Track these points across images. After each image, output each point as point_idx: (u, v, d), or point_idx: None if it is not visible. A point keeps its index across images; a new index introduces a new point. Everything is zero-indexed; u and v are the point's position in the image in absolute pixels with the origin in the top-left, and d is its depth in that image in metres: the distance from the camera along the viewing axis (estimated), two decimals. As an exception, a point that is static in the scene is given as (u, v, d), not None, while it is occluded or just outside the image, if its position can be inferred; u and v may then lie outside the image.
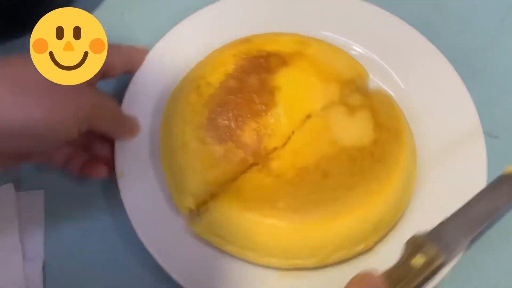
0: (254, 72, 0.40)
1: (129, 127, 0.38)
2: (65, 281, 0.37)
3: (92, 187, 0.41)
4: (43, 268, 0.37)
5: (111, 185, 0.39)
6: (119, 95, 0.41)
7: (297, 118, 0.39)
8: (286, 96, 0.40)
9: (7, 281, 0.36)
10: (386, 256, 0.35)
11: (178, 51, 0.44)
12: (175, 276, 0.34)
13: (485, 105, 0.44)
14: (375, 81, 0.44)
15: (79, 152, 0.39)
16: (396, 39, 0.45)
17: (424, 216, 0.37)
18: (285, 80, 0.40)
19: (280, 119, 0.39)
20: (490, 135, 0.44)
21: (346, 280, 0.31)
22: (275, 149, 0.38)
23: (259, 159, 0.38)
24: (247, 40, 0.43)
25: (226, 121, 0.38)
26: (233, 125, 0.38)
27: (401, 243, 0.35)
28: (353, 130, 0.39)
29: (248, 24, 0.45)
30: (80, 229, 0.39)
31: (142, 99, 0.41)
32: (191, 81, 0.41)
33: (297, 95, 0.40)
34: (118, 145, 0.39)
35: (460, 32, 0.50)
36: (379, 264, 0.34)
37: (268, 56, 0.41)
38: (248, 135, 0.38)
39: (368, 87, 0.43)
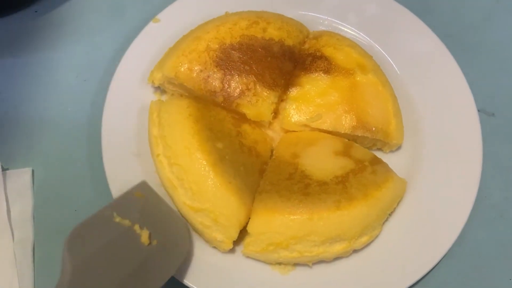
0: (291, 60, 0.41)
1: None
2: (55, 261, 0.34)
3: (79, 168, 0.41)
4: (33, 249, 0.37)
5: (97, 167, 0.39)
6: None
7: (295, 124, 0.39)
8: (297, 100, 0.40)
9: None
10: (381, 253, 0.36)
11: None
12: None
13: (481, 83, 0.43)
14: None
15: None
16: (386, 19, 0.44)
17: (424, 194, 0.38)
18: (311, 87, 0.40)
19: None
20: (486, 113, 0.44)
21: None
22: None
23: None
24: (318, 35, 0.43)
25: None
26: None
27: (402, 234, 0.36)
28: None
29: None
30: (71, 208, 0.39)
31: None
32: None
33: (308, 109, 0.39)
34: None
35: (455, 8, 0.50)
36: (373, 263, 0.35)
37: (319, 58, 0.41)
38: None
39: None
